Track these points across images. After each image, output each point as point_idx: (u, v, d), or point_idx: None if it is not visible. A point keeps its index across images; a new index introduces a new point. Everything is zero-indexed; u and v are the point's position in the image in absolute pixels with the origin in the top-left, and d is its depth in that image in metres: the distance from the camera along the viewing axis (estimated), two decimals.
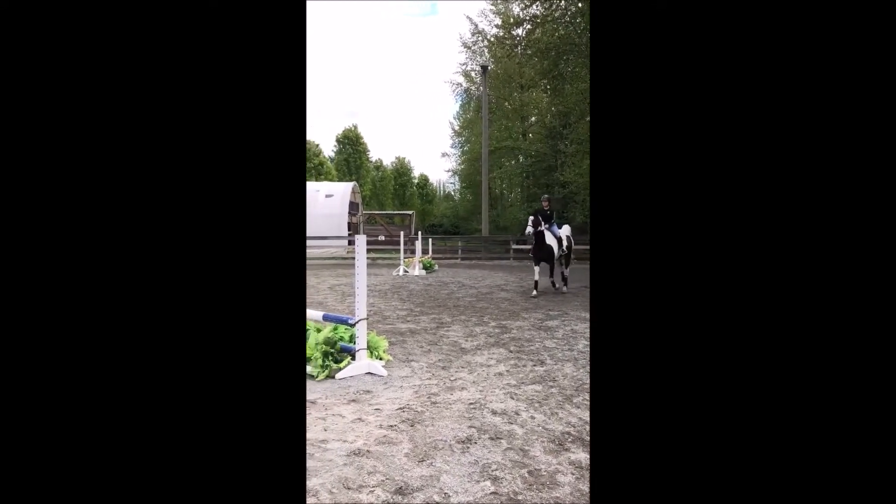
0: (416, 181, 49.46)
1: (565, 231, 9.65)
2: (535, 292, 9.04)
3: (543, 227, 8.95)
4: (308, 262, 18.08)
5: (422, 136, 78.04)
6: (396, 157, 50.19)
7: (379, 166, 47.48)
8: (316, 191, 25.54)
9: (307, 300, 8.39)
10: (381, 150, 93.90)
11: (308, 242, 19.12)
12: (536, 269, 9.43)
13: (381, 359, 4.38)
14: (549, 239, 8.98)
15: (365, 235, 4.52)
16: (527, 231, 8.91)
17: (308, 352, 4.20)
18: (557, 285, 9.65)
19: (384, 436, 2.90)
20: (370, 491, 2.28)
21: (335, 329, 4.44)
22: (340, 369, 4.09)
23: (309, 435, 2.92)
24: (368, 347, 4.28)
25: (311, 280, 11.88)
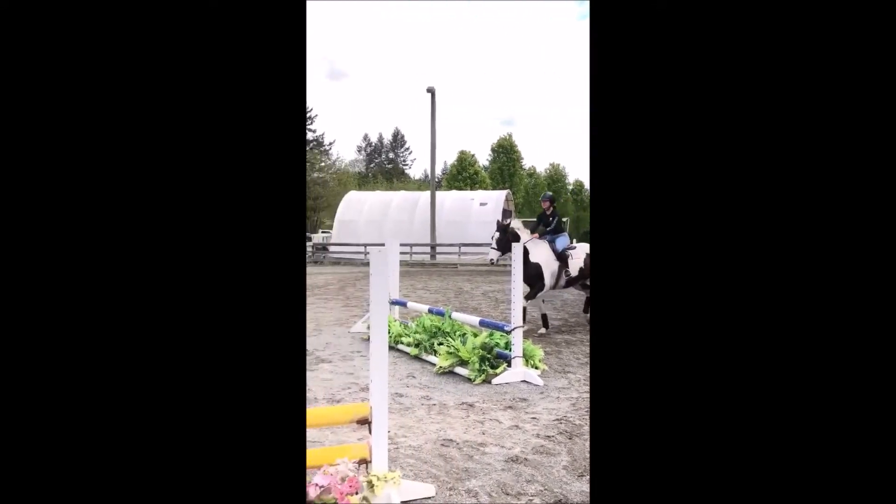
0: (570, 187, 48.48)
1: (582, 250, 6.58)
2: (543, 329, 6.44)
3: (528, 238, 6.30)
4: (462, 267, 18.67)
5: (577, 142, 76.26)
6: (550, 164, 49.77)
7: (532, 173, 47.43)
8: (470, 199, 26.29)
9: (463, 306, 8.67)
10: (535, 157, 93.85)
11: (462, 249, 19.76)
12: (539, 295, 6.48)
13: (536, 368, 4.36)
14: (537, 255, 6.25)
15: (521, 243, 4.54)
16: (493, 237, 6.24)
17: (465, 355, 4.34)
18: (534, 320, 6.54)
19: (541, 445, 2.88)
20: (528, 499, 2.28)
21: (491, 335, 4.53)
22: (496, 375, 4.16)
23: (467, 437, 3.01)
24: (524, 355, 4.29)
25: (465, 286, 12.25)
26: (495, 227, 6.36)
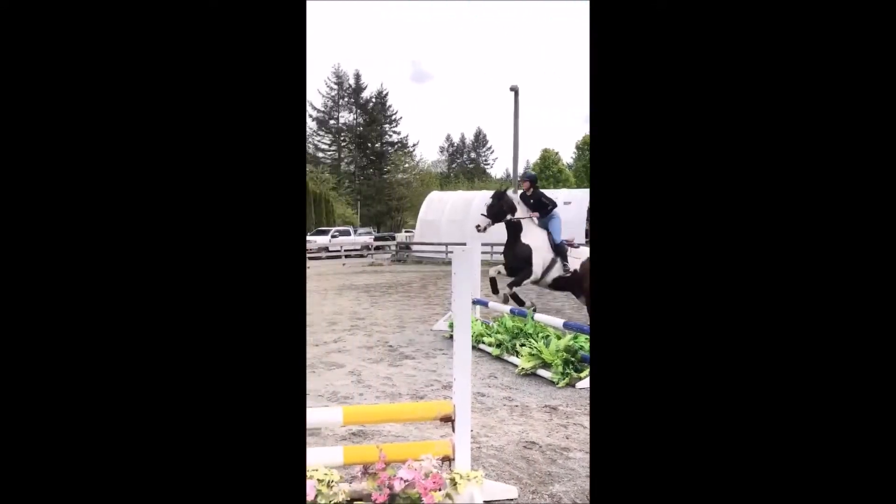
0: None
1: (583, 251, 5.59)
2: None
3: (524, 216, 5.53)
4: None
5: None
6: None
7: None
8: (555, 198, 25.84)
9: (545, 307, 8.52)
10: None
11: None
12: (495, 268, 5.82)
13: None
14: (530, 236, 5.48)
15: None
16: (481, 217, 5.52)
17: (549, 357, 4.27)
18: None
19: None
20: None
21: (575, 338, 4.42)
22: (580, 379, 4.05)
23: (550, 440, 2.96)
24: None
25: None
26: (492, 195, 5.66)
